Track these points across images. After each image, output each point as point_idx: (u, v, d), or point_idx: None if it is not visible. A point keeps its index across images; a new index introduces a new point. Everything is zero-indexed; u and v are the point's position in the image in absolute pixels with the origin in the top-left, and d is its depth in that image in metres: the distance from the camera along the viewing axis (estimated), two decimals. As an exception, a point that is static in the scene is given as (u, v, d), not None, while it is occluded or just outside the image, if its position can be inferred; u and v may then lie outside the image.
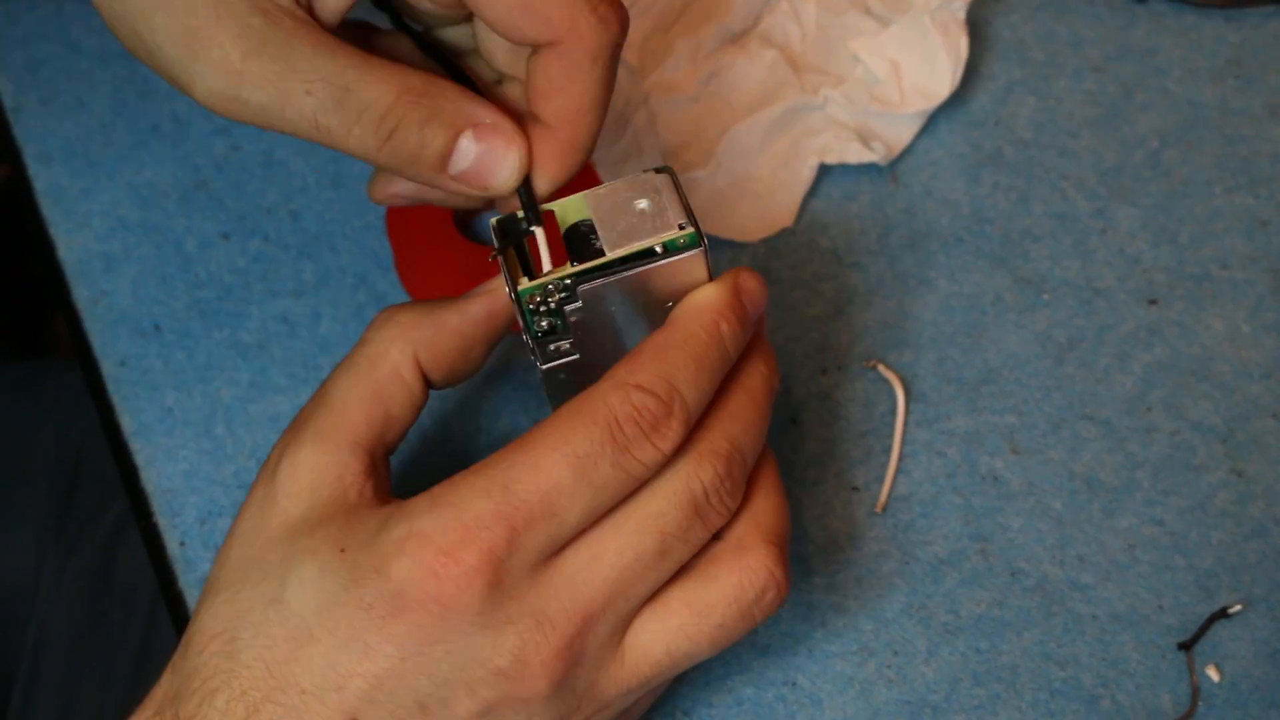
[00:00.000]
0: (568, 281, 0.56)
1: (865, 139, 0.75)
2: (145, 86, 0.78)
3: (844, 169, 0.76)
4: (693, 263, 0.56)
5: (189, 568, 0.67)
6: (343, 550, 0.54)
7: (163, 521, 0.68)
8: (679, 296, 0.57)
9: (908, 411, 0.71)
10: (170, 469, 0.69)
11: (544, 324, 0.57)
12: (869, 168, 0.76)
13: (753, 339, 0.59)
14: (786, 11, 0.78)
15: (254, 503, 0.57)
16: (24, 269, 1.25)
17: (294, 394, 0.71)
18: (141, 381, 0.71)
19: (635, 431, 0.54)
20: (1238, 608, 0.66)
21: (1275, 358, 0.72)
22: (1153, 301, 0.73)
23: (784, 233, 0.75)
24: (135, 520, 0.69)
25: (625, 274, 0.56)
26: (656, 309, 0.58)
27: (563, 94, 0.57)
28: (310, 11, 0.56)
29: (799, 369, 0.71)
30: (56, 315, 1.28)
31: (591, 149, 0.58)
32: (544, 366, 0.58)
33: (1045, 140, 0.77)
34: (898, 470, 0.69)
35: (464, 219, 0.74)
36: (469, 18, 0.60)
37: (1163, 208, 0.76)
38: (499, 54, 0.61)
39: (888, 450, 0.70)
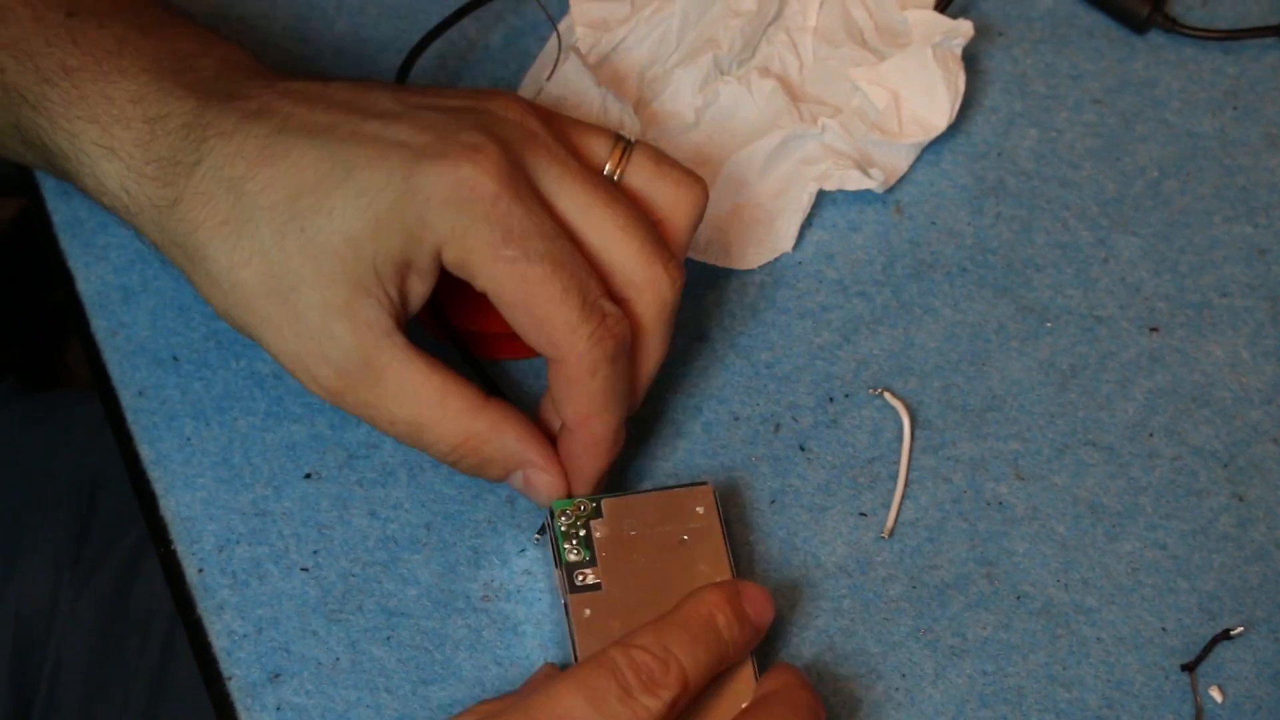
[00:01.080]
0: (594, 505, 0.66)
1: (864, 166, 0.76)
2: (162, 121, 0.79)
3: (849, 201, 0.77)
4: (704, 503, 0.67)
5: (207, 594, 0.68)
6: None
7: (181, 548, 0.69)
8: (691, 563, 0.66)
9: (914, 438, 0.72)
10: (188, 497, 0.70)
11: (572, 555, 0.65)
12: (875, 200, 0.77)
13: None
14: (784, 43, 0.79)
15: None
16: (37, 302, 1.26)
17: (309, 423, 0.72)
18: (160, 411, 0.72)
19: (636, 680, 0.59)
20: (1240, 629, 0.67)
21: (1275, 383, 0.73)
22: (1154, 329, 0.75)
23: (791, 263, 0.76)
24: (154, 547, 0.70)
25: (642, 492, 0.68)
26: (674, 568, 0.66)
27: (570, 402, 0.65)
28: (401, 310, 0.64)
29: (806, 397, 0.73)
30: (69, 348, 1.30)
31: (613, 443, 0.66)
32: (570, 595, 0.64)
33: (1047, 171, 0.78)
34: (904, 496, 0.71)
35: None
36: None
37: (1163, 237, 0.77)
38: None
39: (894, 476, 0.71)
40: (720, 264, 0.75)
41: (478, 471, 0.66)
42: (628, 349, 0.65)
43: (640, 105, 0.77)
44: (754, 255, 0.76)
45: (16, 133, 0.68)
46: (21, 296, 1.25)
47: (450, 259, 0.63)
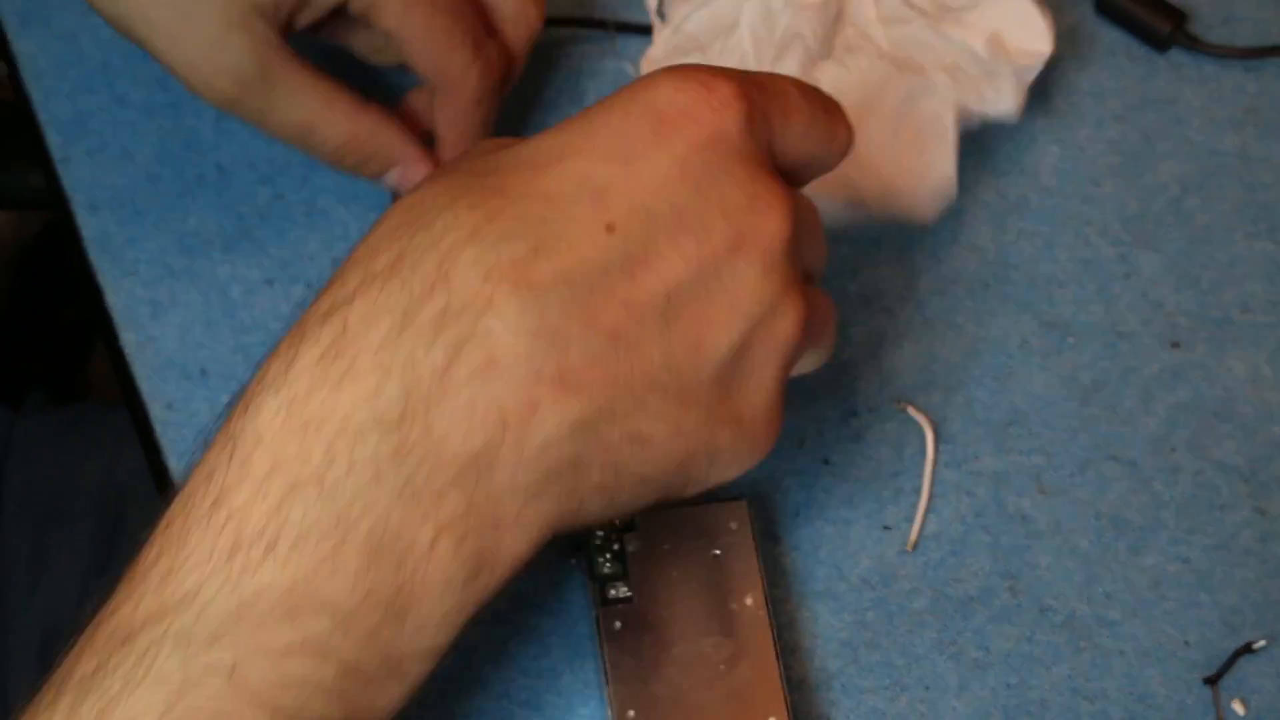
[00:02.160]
0: (630, 519, 0.67)
1: (990, 91, 0.76)
2: (190, 138, 0.80)
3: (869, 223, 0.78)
4: (738, 518, 0.67)
5: (236, 605, 0.69)
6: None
7: (210, 560, 0.70)
8: (723, 579, 0.66)
9: (937, 452, 0.72)
10: (217, 509, 0.71)
11: (605, 568, 0.66)
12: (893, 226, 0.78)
13: None
14: (856, 34, 0.77)
15: None
16: (60, 317, 1.27)
17: (337, 436, 0.72)
18: (188, 424, 0.73)
19: None
20: (1262, 643, 0.68)
21: (1296, 399, 0.74)
22: (1175, 344, 0.75)
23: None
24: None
25: (676, 506, 0.65)
26: (706, 582, 0.66)
27: (457, 125, 0.73)
28: (290, 22, 0.70)
29: (830, 411, 0.73)
30: (91, 362, 1.30)
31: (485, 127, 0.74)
32: (601, 608, 0.65)
33: (1069, 188, 0.79)
34: (927, 510, 0.71)
35: None
36: None
37: (1185, 253, 0.77)
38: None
39: (917, 490, 0.71)
40: (900, 220, 0.75)
41: (358, 168, 0.72)
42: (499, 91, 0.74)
43: None
44: (924, 206, 0.75)
45: None
46: (46, 311, 1.26)
47: (358, 6, 0.70)
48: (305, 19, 0.70)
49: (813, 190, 0.67)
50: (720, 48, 0.78)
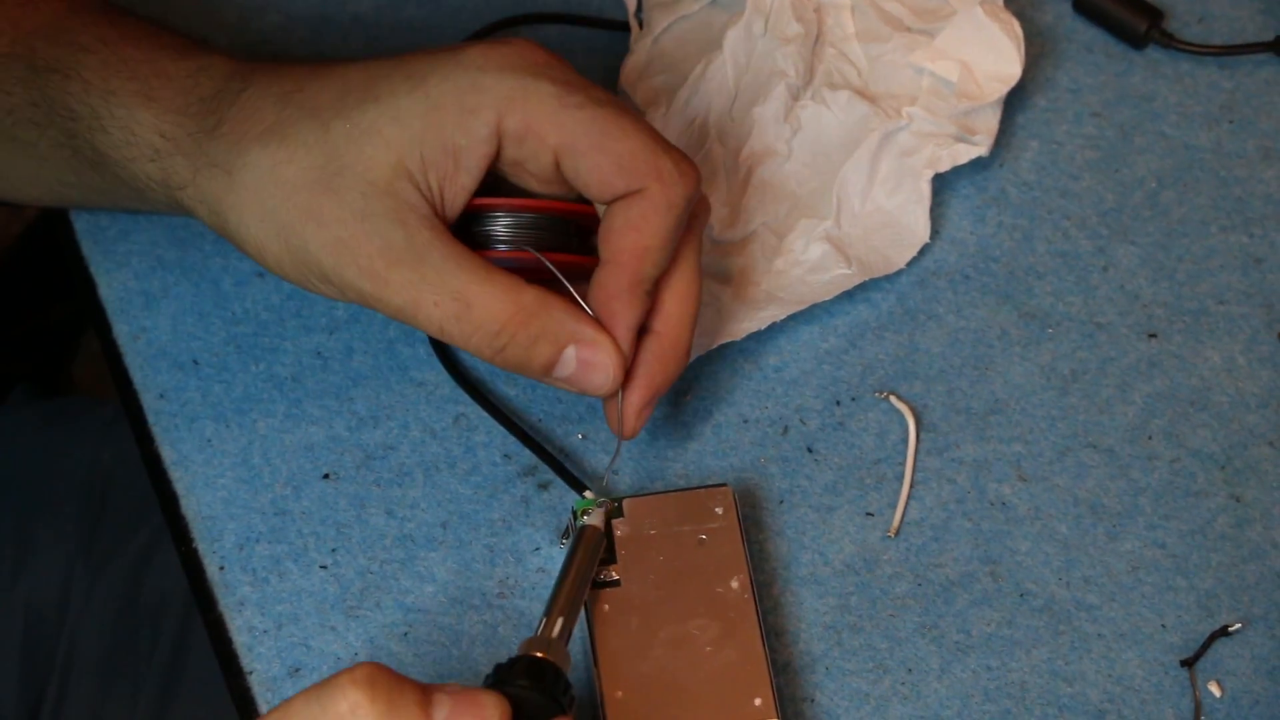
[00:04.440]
0: (616, 504, 0.68)
1: (964, 137, 0.77)
2: (181, 131, 0.81)
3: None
4: (723, 504, 0.68)
5: (228, 591, 0.69)
6: None
7: (202, 547, 0.70)
8: (708, 562, 0.67)
9: (919, 440, 0.73)
10: (209, 497, 0.71)
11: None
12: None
13: None
14: (835, 56, 0.79)
15: None
16: (45, 315, 1.27)
17: (327, 425, 0.73)
18: (181, 414, 0.73)
19: None
20: (1237, 626, 0.69)
21: (1270, 388, 0.75)
22: (1152, 335, 0.76)
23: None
24: (169, 543, 0.71)
25: (662, 492, 0.70)
26: (692, 566, 0.67)
27: (636, 231, 0.64)
28: (441, 208, 0.64)
29: (814, 400, 0.74)
30: (75, 360, 1.31)
31: (651, 286, 0.66)
32: (590, 590, 0.66)
33: (1048, 182, 0.80)
34: (910, 497, 0.72)
35: None
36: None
37: (1161, 246, 0.78)
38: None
39: (900, 478, 0.72)
40: (874, 275, 0.76)
41: (527, 354, 0.64)
42: (689, 210, 0.65)
43: (732, 149, 0.78)
44: (898, 255, 0.76)
45: (33, 109, 0.69)
46: (31, 309, 1.26)
47: (513, 125, 0.63)
48: (461, 185, 0.64)
49: (810, 263, 0.75)
50: (700, 71, 0.79)
